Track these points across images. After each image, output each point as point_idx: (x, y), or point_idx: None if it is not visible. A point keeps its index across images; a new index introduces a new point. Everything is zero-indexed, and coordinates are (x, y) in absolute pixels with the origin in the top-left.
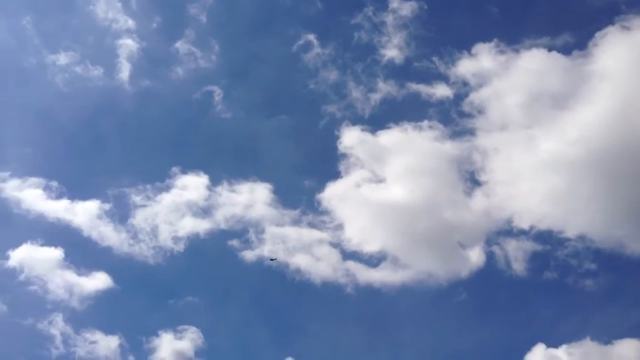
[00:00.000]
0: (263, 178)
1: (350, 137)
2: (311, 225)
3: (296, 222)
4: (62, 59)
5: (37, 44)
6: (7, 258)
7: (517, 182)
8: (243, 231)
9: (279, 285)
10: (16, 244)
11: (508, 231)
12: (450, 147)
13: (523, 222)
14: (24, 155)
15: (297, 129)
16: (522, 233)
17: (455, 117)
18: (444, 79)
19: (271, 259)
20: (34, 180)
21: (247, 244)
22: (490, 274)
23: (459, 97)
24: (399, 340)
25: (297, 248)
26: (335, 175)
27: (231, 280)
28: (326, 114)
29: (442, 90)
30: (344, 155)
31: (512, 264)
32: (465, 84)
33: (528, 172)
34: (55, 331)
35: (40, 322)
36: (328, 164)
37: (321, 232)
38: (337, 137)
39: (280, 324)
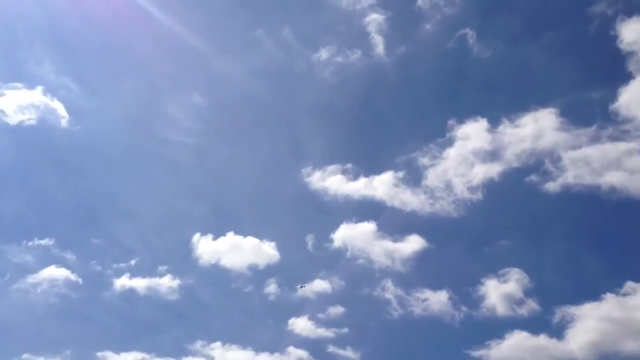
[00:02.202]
0: (544, 104)
1: (632, 32)
2: (613, 138)
3: (595, 140)
4: (324, 54)
5: (300, 48)
6: (332, 241)
7: None
8: (538, 163)
9: (595, 209)
10: (335, 227)
11: None
12: None
13: None
14: (318, 147)
15: (568, 41)
16: None
17: None
18: None
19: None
20: (331, 167)
21: (547, 176)
22: None
23: None
24: None
25: (604, 166)
26: (625, 78)
27: (539, 215)
28: (594, 15)
29: None
30: (631, 54)
31: None
32: None
33: None
34: (389, 295)
35: (375, 290)
36: (614, 69)
37: (628, 143)
38: (616, 37)
39: (610, 248)
